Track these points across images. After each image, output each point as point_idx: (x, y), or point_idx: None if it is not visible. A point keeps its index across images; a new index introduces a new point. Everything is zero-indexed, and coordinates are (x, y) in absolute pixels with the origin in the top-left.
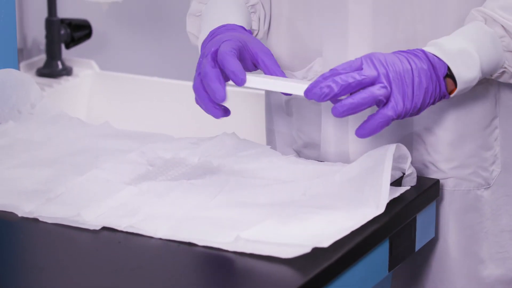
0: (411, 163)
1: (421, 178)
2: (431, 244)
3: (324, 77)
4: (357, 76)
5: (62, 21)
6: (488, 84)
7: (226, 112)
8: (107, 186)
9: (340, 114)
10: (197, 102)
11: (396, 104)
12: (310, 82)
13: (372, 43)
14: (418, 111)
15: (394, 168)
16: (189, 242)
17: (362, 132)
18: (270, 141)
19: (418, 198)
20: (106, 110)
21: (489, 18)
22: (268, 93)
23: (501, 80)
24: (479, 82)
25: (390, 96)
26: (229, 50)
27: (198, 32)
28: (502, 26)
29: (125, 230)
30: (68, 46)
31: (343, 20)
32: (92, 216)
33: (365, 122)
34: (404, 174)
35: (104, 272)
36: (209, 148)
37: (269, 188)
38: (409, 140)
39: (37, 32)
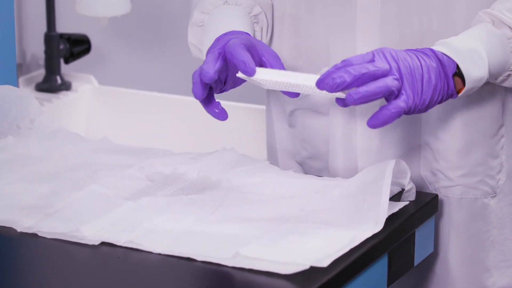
0: (419, 170)
1: (420, 193)
2: (434, 254)
3: (336, 68)
4: (370, 67)
5: (61, 36)
6: (495, 91)
7: (222, 113)
8: (106, 202)
9: (354, 101)
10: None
11: (408, 97)
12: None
13: (380, 41)
14: (426, 108)
15: (393, 183)
16: (188, 257)
17: (374, 122)
18: (271, 156)
19: (417, 213)
20: (105, 125)
21: (496, 20)
22: (270, 105)
23: (505, 84)
24: (487, 90)
25: (401, 89)
26: (238, 43)
27: (199, 43)
28: (510, 27)
29: (124, 245)
30: (67, 61)
31: (351, 16)
32: (91, 232)
33: (377, 112)
34: (403, 189)
35: (103, 287)
36: (208, 163)
37: (267, 203)
38: (417, 148)
39: (36, 47)
